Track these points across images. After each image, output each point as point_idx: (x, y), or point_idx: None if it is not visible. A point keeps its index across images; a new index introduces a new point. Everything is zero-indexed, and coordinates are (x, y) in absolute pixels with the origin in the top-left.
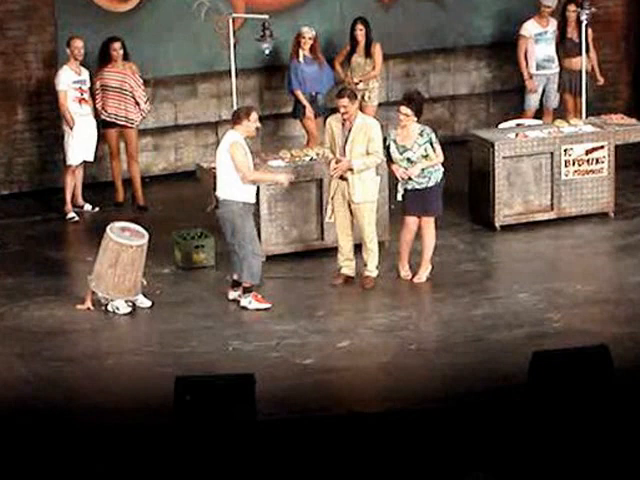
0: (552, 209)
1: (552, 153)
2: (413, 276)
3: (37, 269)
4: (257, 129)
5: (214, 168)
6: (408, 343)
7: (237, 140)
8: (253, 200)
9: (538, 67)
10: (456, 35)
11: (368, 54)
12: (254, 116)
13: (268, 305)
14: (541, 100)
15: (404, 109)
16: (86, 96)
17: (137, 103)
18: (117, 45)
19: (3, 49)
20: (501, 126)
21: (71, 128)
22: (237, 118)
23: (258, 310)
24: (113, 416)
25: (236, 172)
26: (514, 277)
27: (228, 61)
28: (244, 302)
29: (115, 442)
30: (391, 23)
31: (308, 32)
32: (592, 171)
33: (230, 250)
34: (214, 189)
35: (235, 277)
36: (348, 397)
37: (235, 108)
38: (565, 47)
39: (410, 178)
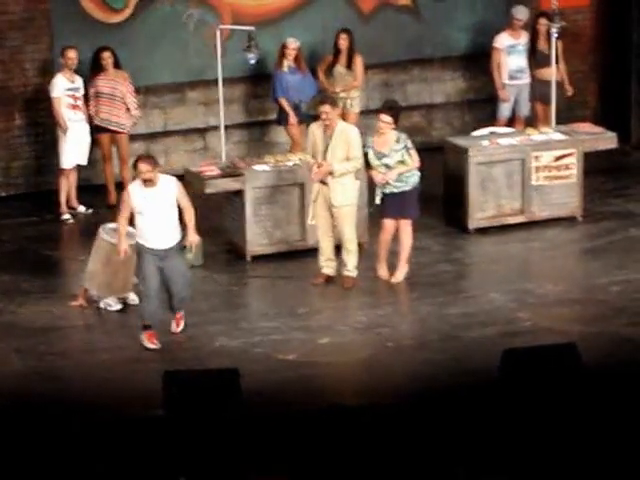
0: (523, 213)
1: (523, 159)
2: (391, 276)
3: (33, 268)
4: (145, 181)
5: (202, 172)
6: (386, 340)
7: (127, 188)
8: (150, 245)
9: (510, 77)
10: (432, 47)
11: (350, 65)
12: (140, 167)
13: (155, 347)
14: (513, 109)
15: (385, 117)
16: (79, 103)
17: (128, 109)
18: (106, 54)
19: (1, 57)
20: (475, 133)
21: (64, 133)
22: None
23: (146, 349)
24: (104, 408)
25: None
26: (487, 278)
27: (216, 70)
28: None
29: (106, 434)
30: (371, 35)
31: (292, 43)
32: (561, 177)
33: None
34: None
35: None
36: (328, 391)
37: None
38: (536, 59)
39: (388, 183)
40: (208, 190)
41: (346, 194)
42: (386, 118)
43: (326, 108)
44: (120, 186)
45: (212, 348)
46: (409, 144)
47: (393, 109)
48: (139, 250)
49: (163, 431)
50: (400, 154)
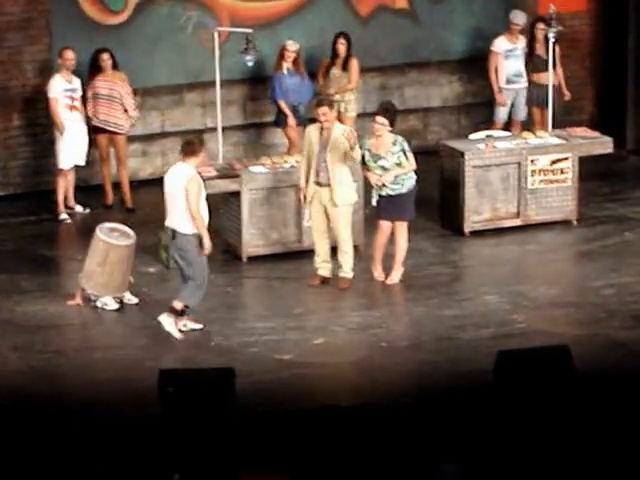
0: (518, 216)
1: (519, 163)
2: (386, 278)
3: (30, 266)
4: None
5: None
6: (380, 341)
7: (195, 176)
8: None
9: (507, 81)
10: (430, 50)
11: (346, 67)
12: (205, 147)
13: (200, 326)
14: (510, 113)
15: (381, 119)
16: (77, 103)
17: (126, 110)
18: (105, 56)
19: (0, 58)
20: (471, 137)
21: (61, 133)
22: (192, 150)
23: (194, 330)
24: (100, 406)
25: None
26: (482, 280)
27: (213, 72)
28: (178, 326)
29: (102, 431)
30: (368, 38)
31: (292, 45)
32: (557, 181)
33: (184, 278)
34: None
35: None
36: (323, 391)
37: (186, 138)
38: (533, 63)
39: (384, 185)
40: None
41: (346, 195)
42: (381, 120)
43: (324, 109)
44: (117, 186)
45: (208, 348)
46: (406, 147)
47: (389, 111)
48: (198, 244)
49: (158, 429)
50: (397, 157)
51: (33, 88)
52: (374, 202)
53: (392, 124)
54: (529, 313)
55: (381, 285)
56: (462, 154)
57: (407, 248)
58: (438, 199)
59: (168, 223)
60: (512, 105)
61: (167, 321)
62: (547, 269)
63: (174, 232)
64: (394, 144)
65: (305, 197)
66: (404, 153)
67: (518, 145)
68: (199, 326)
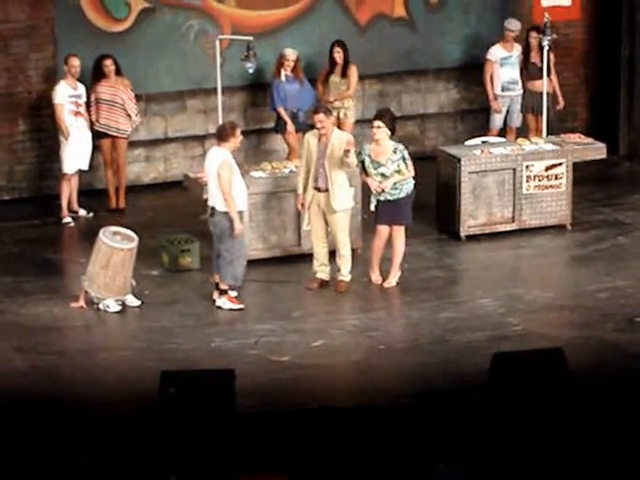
0: (514, 221)
1: (514, 169)
2: (383, 281)
3: (34, 269)
4: (240, 142)
5: (200, 178)
6: (378, 343)
7: (227, 159)
8: (245, 208)
9: (503, 89)
10: (427, 58)
11: (344, 74)
12: (239, 132)
13: (241, 306)
14: (505, 120)
15: (377, 122)
16: (81, 109)
17: (128, 115)
18: (108, 62)
19: (6, 65)
20: (467, 143)
21: (66, 139)
22: (224, 135)
23: (232, 310)
24: (103, 407)
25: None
26: (477, 283)
27: (215, 79)
28: (219, 302)
29: (103, 431)
30: (367, 46)
31: (291, 55)
32: (551, 186)
33: (218, 254)
34: (206, 198)
35: (216, 280)
36: (321, 393)
37: (220, 124)
38: (528, 70)
39: (383, 190)
40: (206, 195)
41: (344, 199)
42: (377, 123)
43: (320, 117)
44: (116, 190)
45: (208, 349)
46: (406, 155)
47: (385, 116)
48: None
49: (158, 430)
50: (397, 164)
51: (38, 94)
52: (372, 207)
53: (392, 131)
54: (524, 316)
55: (378, 288)
56: (458, 160)
57: (404, 252)
58: (435, 204)
59: (209, 201)
60: (507, 112)
61: (222, 302)
62: (542, 273)
63: (213, 209)
64: (395, 152)
65: (303, 204)
66: (404, 161)
67: (513, 151)
68: (238, 306)
